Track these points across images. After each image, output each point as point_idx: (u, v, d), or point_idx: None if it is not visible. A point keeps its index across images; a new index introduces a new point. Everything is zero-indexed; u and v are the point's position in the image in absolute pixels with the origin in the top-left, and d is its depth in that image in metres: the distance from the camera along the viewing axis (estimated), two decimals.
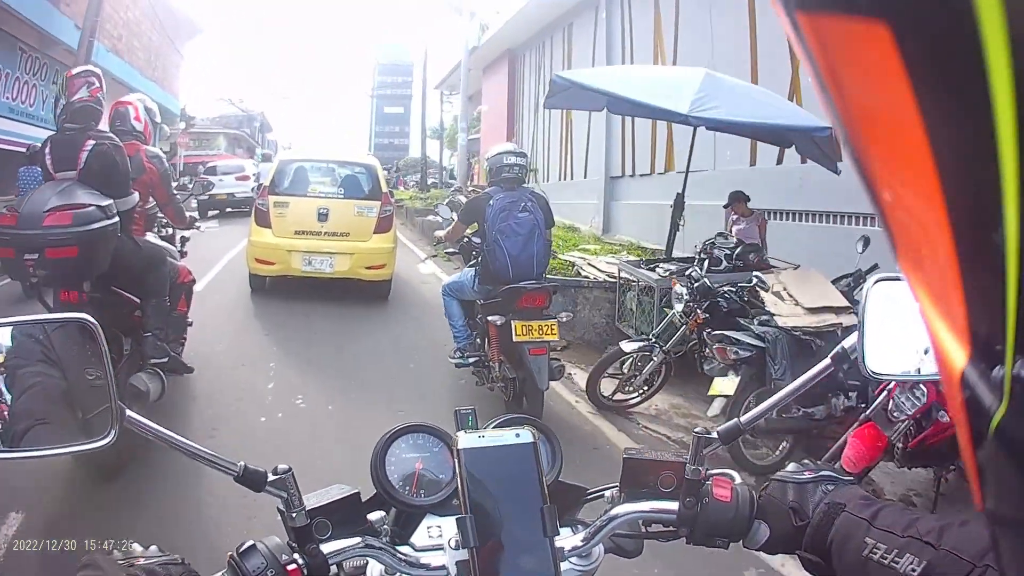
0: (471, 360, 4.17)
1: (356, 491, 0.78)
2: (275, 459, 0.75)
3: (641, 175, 10.54)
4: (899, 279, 0.72)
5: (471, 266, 4.25)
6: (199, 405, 3.97)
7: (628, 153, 10.91)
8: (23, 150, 10.10)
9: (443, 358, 4.43)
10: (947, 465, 2.95)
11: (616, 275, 5.92)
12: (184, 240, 4.51)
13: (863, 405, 3.32)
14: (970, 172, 0.24)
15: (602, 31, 11.82)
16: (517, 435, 0.74)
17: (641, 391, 4.27)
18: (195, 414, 3.87)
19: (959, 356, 0.26)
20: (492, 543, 0.69)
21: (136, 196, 3.44)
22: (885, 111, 0.25)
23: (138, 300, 3.37)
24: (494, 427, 0.80)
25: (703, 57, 7.61)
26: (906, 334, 0.73)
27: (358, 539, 0.73)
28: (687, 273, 4.19)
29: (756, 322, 3.70)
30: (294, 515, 0.71)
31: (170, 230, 4.36)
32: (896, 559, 0.59)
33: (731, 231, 5.69)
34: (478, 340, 4.20)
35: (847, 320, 3.61)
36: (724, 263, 4.67)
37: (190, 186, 5.07)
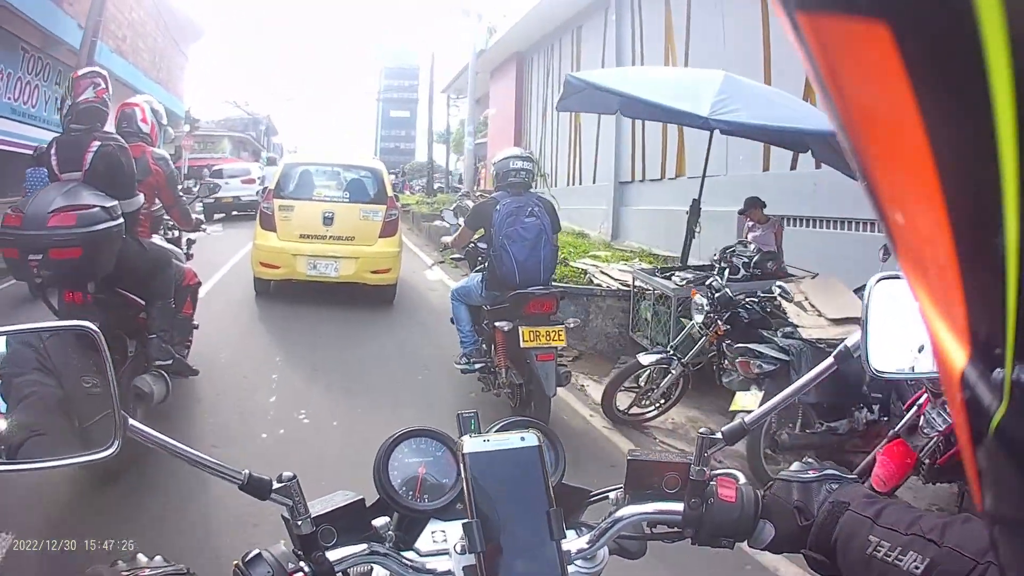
0: (477, 366, 4.18)
1: (360, 497, 0.78)
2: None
3: (651, 180, 10.50)
4: (901, 277, 0.73)
5: (477, 271, 4.27)
6: (200, 416, 3.96)
7: (638, 157, 10.88)
8: (25, 151, 10.20)
9: (452, 368, 4.41)
10: None
11: (630, 284, 5.83)
12: (190, 243, 4.55)
13: (885, 419, 3.27)
14: (970, 172, 0.24)
15: (612, 33, 11.81)
16: (522, 438, 0.75)
17: (658, 405, 4.19)
18: (195, 426, 3.85)
19: (959, 356, 0.27)
20: (498, 547, 0.70)
21: (141, 198, 3.48)
22: (885, 111, 0.26)
23: (143, 302, 3.39)
24: (497, 430, 0.81)
25: (715, 59, 7.58)
26: (908, 332, 0.75)
27: (364, 546, 0.73)
28: (707, 283, 4.11)
29: (779, 334, 3.63)
30: (299, 523, 0.72)
31: (176, 232, 4.40)
32: (900, 557, 0.60)
33: (746, 238, 5.63)
34: (484, 346, 4.21)
35: None
36: (742, 271, 4.59)
37: (195, 189, 5.09)
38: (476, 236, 4.29)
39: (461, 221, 4.51)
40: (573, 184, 14.05)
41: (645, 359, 4.05)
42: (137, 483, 2.90)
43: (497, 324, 3.83)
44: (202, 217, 4.64)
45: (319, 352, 5.13)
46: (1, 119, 10.12)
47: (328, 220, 6.64)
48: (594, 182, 12.94)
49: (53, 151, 3.23)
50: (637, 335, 5.54)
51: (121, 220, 3.13)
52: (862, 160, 0.28)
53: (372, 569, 0.78)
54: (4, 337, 0.75)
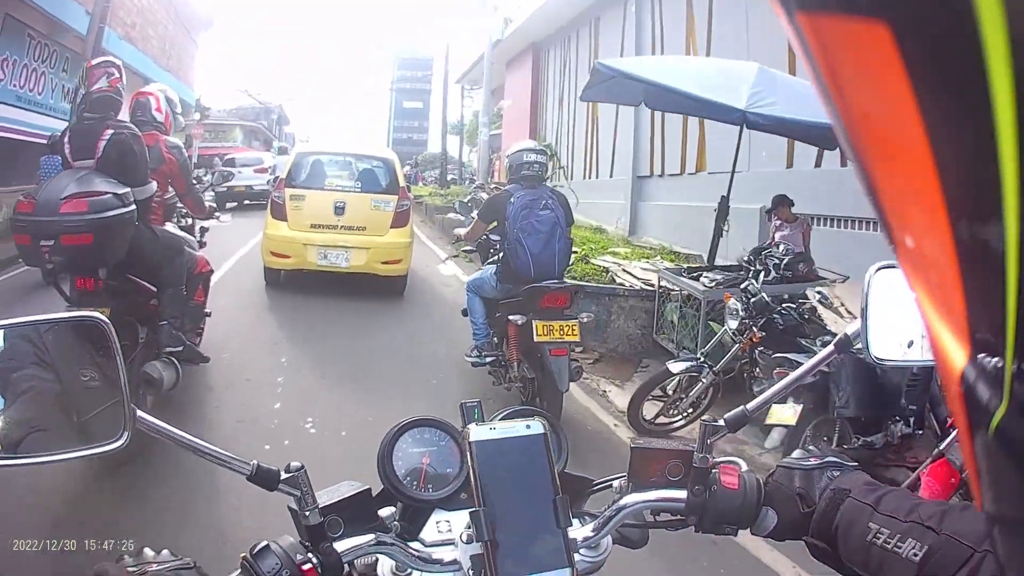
0: (488, 359, 4.21)
1: (367, 487, 0.79)
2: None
3: (671, 175, 10.43)
4: (899, 267, 0.74)
5: (490, 263, 4.30)
6: (209, 404, 4.02)
7: (657, 152, 10.81)
8: (32, 139, 10.33)
9: (468, 370, 4.42)
10: None
11: (654, 284, 5.68)
12: (203, 231, 4.63)
13: (920, 432, 3.24)
14: (970, 172, 0.25)
15: (631, 24, 11.74)
16: (528, 426, 0.77)
17: (686, 414, 4.05)
18: (206, 413, 3.92)
19: (959, 356, 0.27)
20: (506, 536, 0.71)
21: (154, 185, 3.55)
22: (885, 111, 0.26)
23: (155, 289, 3.47)
24: (501, 419, 0.83)
25: (738, 51, 7.52)
26: (908, 320, 0.77)
27: (371, 536, 0.74)
28: (743, 286, 3.98)
29: (819, 343, 3.51)
30: (307, 513, 0.72)
31: (189, 220, 4.47)
32: (899, 544, 0.62)
33: (773, 237, 5.55)
34: (495, 339, 4.24)
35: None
36: (772, 273, 4.44)
37: (206, 178, 5.15)
38: (489, 228, 4.32)
39: (475, 215, 4.55)
40: (589, 178, 14.00)
41: (675, 367, 3.90)
42: (141, 475, 2.94)
43: (511, 318, 3.86)
44: (215, 205, 4.68)
45: (327, 356, 5.08)
46: (7, 107, 10.12)
47: (339, 210, 6.70)
48: (611, 176, 12.89)
49: (67, 139, 3.31)
50: (661, 338, 5.43)
51: (133, 207, 3.20)
52: (862, 160, 0.29)
53: (378, 559, 0.78)
54: (2, 331, 0.75)
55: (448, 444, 0.85)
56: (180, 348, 3.50)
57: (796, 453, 0.79)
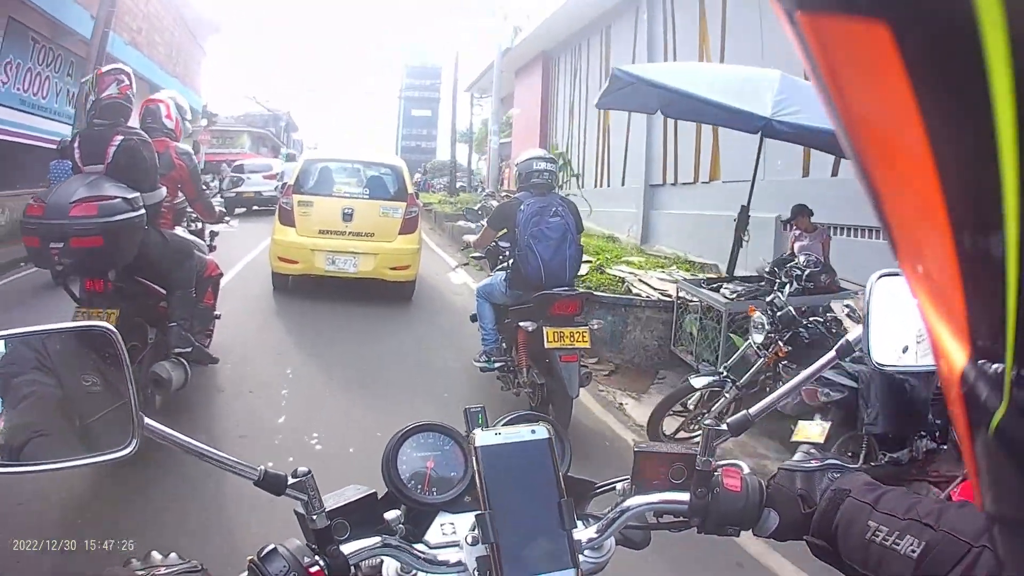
0: (497, 365, 4.25)
1: (373, 491, 0.82)
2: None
3: (684, 184, 10.43)
4: (900, 274, 0.75)
5: (499, 270, 4.35)
6: (219, 406, 4.05)
7: (670, 160, 10.82)
8: (35, 143, 10.44)
9: (476, 376, 4.42)
10: None
11: (672, 294, 5.63)
12: (213, 235, 4.72)
13: (944, 447, 3.20)
14: (970, 172, 0.25)
15: (643, 33, 11.80)
16: (533, 431, 0.79)
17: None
18: (216, 416, 3.94)
19: (959, 356, 0.28)
20: (511, 538, 0.73)
21: (163, 191, 3.64)
22: (885, 111, 0.26)
23: (164, 291, 3.56)
24: (505, 424, 0.85)
25: (752, 59, 7.52)
26: (909, 326, 0.80)
27: (377, 539, 0.76)
28: (768, 299, 3.92)
29: (847, 358, 3.47)
30: (315, 517, 0.74)
31: (199, 224, 4.56)
32: (897, 541, 0.63)
33: (792, 248, 5.51)
34: (504, 345, 4.29)
35: None
36: (794, 285, 4.35)
37: (212, 184, 5.21)
38: (498, 235, 4.37)
39: (484, 222, 4.60)
40: (601, 186, 14.02)
41: (697, 382, 3.84)
42: (147, 480, 2.95)
43: (521, 324, 3.90)
44: (224, 209, 4.79)
45: (334, 368, 5.05)
46: (10, 110, 10.17)
47: (347, 216, 6.78)
48: (623, 184, 12.91)
49: (77, 144, 3.41)
50: (679, 349, 5.37)
51: (142, 211, 3.29)
52: (862, 160, 0.29)
53: (383, 561, 0.80)
54: (2, 340, 0.76)
55: (452, 448, 0.88)
56: (189, 349, 3.58)
57: (797, 455, 0.81)
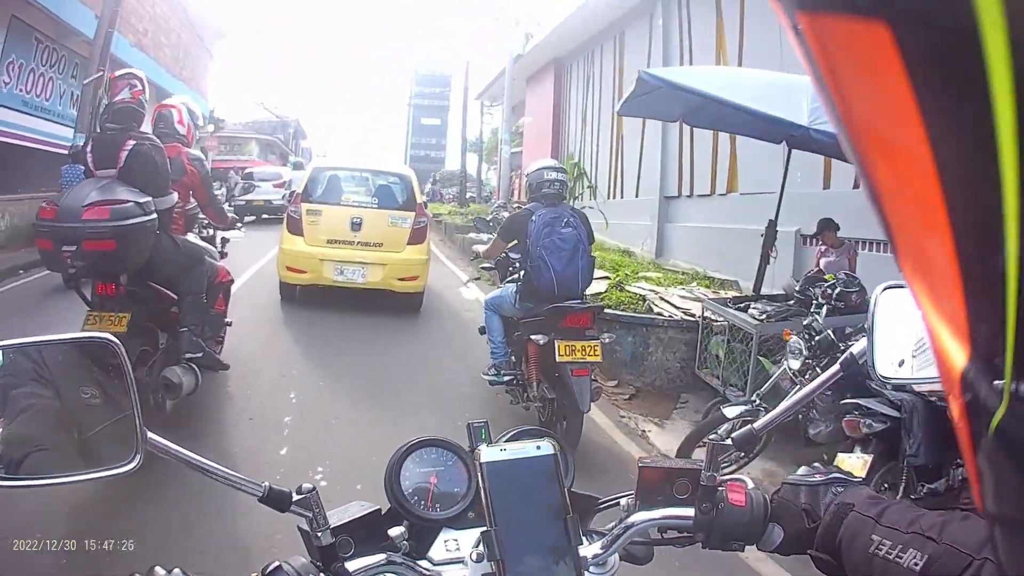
0: (506, 378, 4.26)
1: (377, 507, 0.83)
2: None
3: (700, 195, 10.39)
4: (905, 287, 0.77)
5: (510, 281, 4.37)
6: (230, 411, 4.07)
7: (686, 171, 10.79)
8: (37, 146, 10.52)
9: (490, 399, 4.40)
10: None
11: (696, 314, 5.50)
12: (224, 241, 4.81)
13: None
14: (970, 173, 0.25)
15: (658, 39, 11.82)
16: (538, 447, 0.81)
17: (737, 460, 3.83)
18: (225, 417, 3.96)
19: (959, 357, 0.28)
20: (517, 555, 0.74)
21: (175, 196, 3.73)
22: (885, 112, 0.27)
23: (175, 296, 3.65)
24: (508, 439, 0.87)
25: (772, 63, 7.49)
26: (913, 339, 0.81)
27: (382, 556, 0.77)
28: (805, 323, 3.81)
29: (889, 385, 3.36)
30: (319, 534, 0.75)
31: (210, 231, 4.66)
32: (900, 554, 0.65)
33: (817, 264, 5.43)
34: (513, 358, 4.30)
35: None
36: (825, 305, 4.19)
37: (220, 191, 5.26)
38: (508, 247, 4.40)
39: (494, 234, 4.64)
40: (614, 197, 14.01)
41: (730, 412, 3.74)
42: (149, 484, 2.93)
43: (532, 337, 3.91)
44: (235, 215, 4.86)
45: (345, 356, 5.11)
46: (13, 112, 10.20)
47: (356, 225, 6.83)
48: (637, 196, 12.88)
49: (89, 149, 3.51)
50: (704, 373, 5.23)
51: (155, 215, 3.38)
52: (863, 161, 0.29)
53: None
54: (1, 350, 0.76)
55: (455, 464, 0.88)
56: (200, 354, 3.65)
57: (802, 470, 0.83)
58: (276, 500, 0.76)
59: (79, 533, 2.51)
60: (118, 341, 0.76)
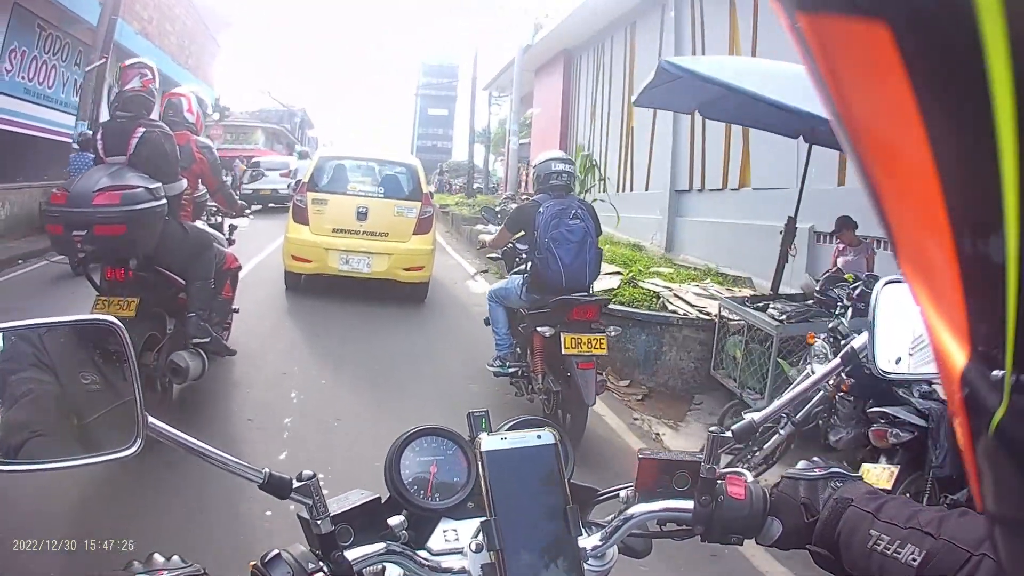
0: (511, 370, 4.29)
1: (377, 496, 0.83)
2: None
3: (712, 190, 10.33)
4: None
5: (516, 272, 4.39)
6: (236, 397, 4.10)
7: (697, 165, 10.73)
8: (39, 135, 10.54)
9: (495, 390, 4.40)
10: None
11: (712, 312, 5.39)
12: (232, 228, 4.86)
13: None
14: (970, 173, 0.25)
15: (669, 30, 11.74)
16: (539, 436, 0.82)
17: (759, 468, 3.76)
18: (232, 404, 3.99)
19: (959, 357, 0.28)
20: (515, 545, 0.75)
21: (184, 182, 3.80)
22: (885, 111, 0.27)
23: (183, 282, 3.72)
24: (509, 429, 0.88)
25: (786, 55, 7.42)
26: (914, 334, 0.82)
27: (381, 545, 0.77)
28: (831, 325, 3.73)
29: (916, 393, 3.19)
30: (319, 522, 0.75)
31: (219, 218, 4.73)
32: (898, 550, 0.66)
33: (834, 263, 5.39)
34: (518, 350, 4.32)
35: None
36: (849, 307, 4.03)
37: (226, 180, 5.26)
38: (514, 238, 4.42)
39: (501, 225, 4.67)
40: (623, 191, 13.95)
41: (756, 418, 3.65)
42: (151, 483, 2.97)
43: (538, 329, 3.92)
44: (245, 202, 4.93)
45: (349, 346, 5.14)
46: (14, 99, 10.15)
47: (362, 215, 6.87)
48: (647, 189, 12.83)
49: (99, 136, 3.60)
50: (720, 373, 5.15)
51: (164, 201, 3.45)
52: (862, 160, 0.29)
53: (385, 568, 0.81)
54: (1, 332, 0.76)
55: (455, 453, 0.88)
56: (207, 340, 3.73)
57: (801, 464, 0.84)
58: (276, 487, 0.76)
59: (79, 533, 2.53)
60: (120, 323, 0.76)
